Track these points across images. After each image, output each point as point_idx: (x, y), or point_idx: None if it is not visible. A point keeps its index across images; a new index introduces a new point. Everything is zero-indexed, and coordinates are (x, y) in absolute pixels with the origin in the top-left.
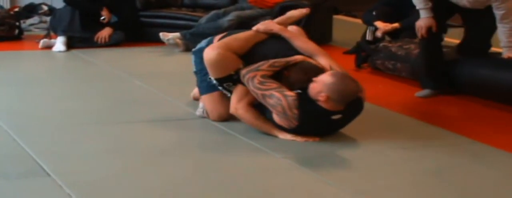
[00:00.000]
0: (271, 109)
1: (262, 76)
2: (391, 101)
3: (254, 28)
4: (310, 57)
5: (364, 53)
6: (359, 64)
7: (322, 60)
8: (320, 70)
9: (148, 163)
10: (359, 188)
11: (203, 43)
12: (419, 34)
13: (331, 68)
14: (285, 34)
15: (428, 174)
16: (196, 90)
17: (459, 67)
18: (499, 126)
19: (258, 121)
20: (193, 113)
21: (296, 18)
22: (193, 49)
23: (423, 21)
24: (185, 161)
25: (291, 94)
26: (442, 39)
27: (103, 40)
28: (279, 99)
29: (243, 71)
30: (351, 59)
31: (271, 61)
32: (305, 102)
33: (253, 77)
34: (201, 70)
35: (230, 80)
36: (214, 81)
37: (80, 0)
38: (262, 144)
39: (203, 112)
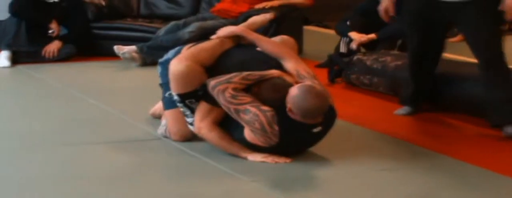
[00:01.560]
0: (245, 125)
1: (234, 89)
2: (368, 119)
3: (214, 36)
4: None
5: (337, 67)
6: (332, 79)
7: (289, 64)
8: (287, 85)
9: (101, 190)
10: None
11: (170, 54)
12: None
13: (297, 74)
14: (248, 35)
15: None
16: (156, 107)
17: (442, 82)
18: (486, 145)
19: (224, 141)
20: (153, 133)
21: (259, 25)
22: (160, 60)
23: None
24: (143, 188)
25: (267, 109)
26: (436, 62)
27: (51, 55)
28: (256, 114)
29: (212, 83)
30: (323, 73)
31: (245, 73)
32: (283, 116)
33: (224, 90)
34: (167, 84)
35: (193, 96)
36: (175, 97)
37: (27, 10)
38: (229, 166)
39: (165, 130)
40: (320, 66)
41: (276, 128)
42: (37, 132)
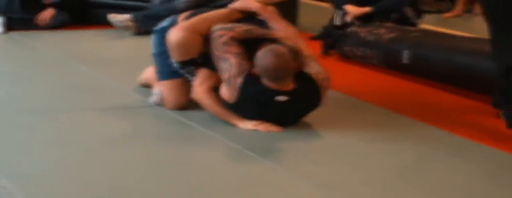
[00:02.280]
0: (220, 75)
1: (231, 37)
2: (361, 90)
3: (231, 6)
4: None
5: (331, 39)
6: (326, 51)
7: (300, 45)
8: (295, 52)
9: (95, 155)
10: (327, 182)
11: (165, 22)
12: None
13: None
14: (264, 13)
15: (402, 168)
16: (146, 75)
17: (430, 52)
18: (477, 117)
19: (218, 107)
20: (146, 101)
21: (279, 0)
22: (155, 29)
23: None
24: (136, 153)
25: (245, 63)
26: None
27: (45, 22)
28: (231, 64)
29: (216, 27)
30: (318, 45)
31: (250, 26)
32: (253, 77)
33: (222, 35)
34: (162, 53)
35: (193, 64)
36: (176, 64)
37: None
38: (221, 134)
39: (158, 98)
40: (314, 38)
41: (239, 80)
42: (31, 98)
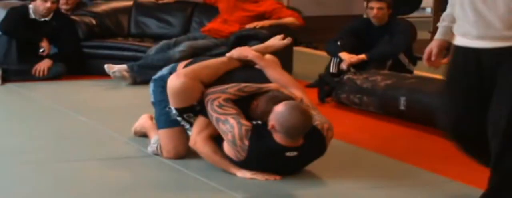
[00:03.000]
0: (222, 135)
1: (225, 99)
2: (359, 137)
3: (228, 54)
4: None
5: (328, 86)
6: (322, 99)
7: (296, 93)
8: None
9: None
10: None
11: (164, 70)
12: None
13: (301, 101)
14: (260, 62)
15: None
16: (141, 123)
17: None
18: (474, 163)
19: (216, 156)
20: (144, 150)
21: (276, 49)
22: (153, 77)
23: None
24: None
25: (246, 123)
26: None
27: (41, 73)
28: (232, 126)
29: (208, 91)
30: (314, 93)
31: (242, 85)
32: (260, 134)
33: (215, 99)
34: (161, 102)
35: (191, 111)
36: (174, 111)
37: (18, 29)
38: (220, 183)
39: (157, 147)
40: (310, 86)
41: (246, 143)
42: (28, 149)
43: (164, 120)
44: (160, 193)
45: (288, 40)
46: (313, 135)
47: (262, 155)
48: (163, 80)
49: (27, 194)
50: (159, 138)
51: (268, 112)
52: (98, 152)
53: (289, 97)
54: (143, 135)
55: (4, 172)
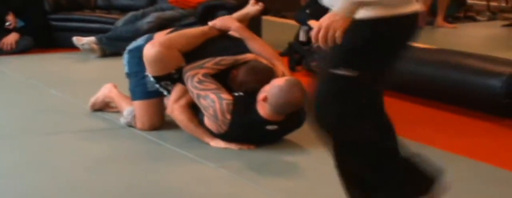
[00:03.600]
0: (203, 110)
1: (204, 75)
2: None
3: (210, 23)
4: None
5: (297, 55)
6: (292, 67)
7: (277, 65)
8: (272, 71)
9: (70, 180)
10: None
11: (140, 40)
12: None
13: (283, 75)
14: (243, 33)
15: None
16: (102, 94)
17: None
18: (447, 128)
19: (192, 124)
20: (116, 122)
21: (253, 15)
22: (128, 48)
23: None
24: (112, 176)
25: (227, 97)
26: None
27: (9, 47)
28: (213, 100)
29: (186, 68)
30: (284, 62)
31: (218, 58)
32: (241, 107)
33: (194, 75)
34: (137, 73)
35: (169, 79)
36: (151, 79)
37: None
38: (195, 153)
39: (131, 119)
40: (280, 55)
41: (228, 117)
42: (1, 122)
43: (140, 90)
44: (135, 164)
45: (260, 6)
46: (297, 112)
47: (243, 128)
48: (140, 51)
49: (1, 167)
50: (134, 109)
51: (247, 81)
52: (70, 125)
53: (268, 66)
54: (104, 107)
55: None
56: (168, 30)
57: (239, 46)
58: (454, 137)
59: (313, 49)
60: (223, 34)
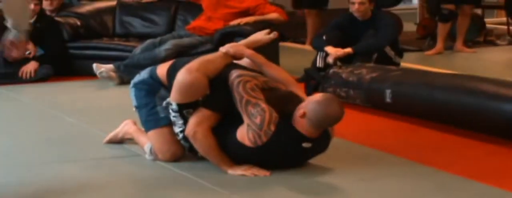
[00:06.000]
0: (246, 118)
1: (256, 85)
2: (346, 131)
3: (223, 49)
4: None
5: (314, 81)
6: (309, 93)
7: (297, 91)
8: (299, 99)
9: None
10: None
11: (144, 74)
12: None
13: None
14: (257, 60)
15: None
16: (121, 130)
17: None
18: (461, 153)
19: (214, 151)
20: (132, 150)
21: (263, 43)
22: (134, 81)
23: None
24: None
25: (274, 111)
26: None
27: (28, 75)
28: (264, 110)
29: (239, 72)
30: (301, 87)
31: (266, 78)
32: (284, 122)
33: (248, 81)
34: (146, 104)
35: (193, 106)
36: (174, 106)
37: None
38: (209, 181)
39: (152, 153)
40: (297, 81)
41: (272, 128)
42: (16, 151)
43: (153, 119)
44: (149, 191)
45: (274, 35)
46: (325, 131)
47: (282, 142)
48: (146, 83)
49: (12, 195)
50: (151, 141)
51: (280, 111)
52: (86, 153)
53: (293, 93)
54: (120, 141)
55: None
56: (169, 63)
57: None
58: (468, 161)
59: (329, 75)
60: (233, 61)
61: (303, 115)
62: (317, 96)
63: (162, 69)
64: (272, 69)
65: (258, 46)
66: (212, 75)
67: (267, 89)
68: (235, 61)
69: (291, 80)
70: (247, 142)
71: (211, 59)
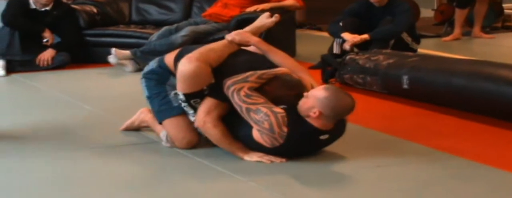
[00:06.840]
0: (254, 125)
1: (249, 88)
2: (363, 117)
3: (229, 38)
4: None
5: (330, 67)
6: (326, 80)
7: (304, 77)
8: (302, 84)
9: (100, 193)
10: None
11: (152, 64)
12: None
13: (312, 87)
14: (262, 47)
15: (406, 192)
16: (137, 118)
17: (429, 76)
18: (479, 139)
19: (225, 139)
20: (148, 137)
21: (267, 27)
22: (143, 72)
23: None
24: (144, 190)
25: (279, 110)
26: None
27: (45, 63)
28: (267, 114)
29: (229, 82)
30: (317, 75)
31: (259, 72)
32: (294, 119)
33: (240, 89)
34: (158, 94)
35: (200, 96)
36: (181, 96)
37: (20, 20)
38: (225, 167)
39: (169, 140)
40: (313, 67)
41: (285, 129)
42: (35, 138)
43: (165, 109)
44: (164, 177)
45: (276, 18)
46: None
47: (298, 139)
48: (155, 73)
49: (34, 184)
50: (166, 130)
51: (282, 96)
52: (103, 139)
53: (299, 81)
54: (137, 129)
55: (10, 163)
56: (176, 52)
57: (265, 60)
58: (486, 147)
59: (346, 62)
60: (240, 48)
61: (320, 115)
62: (322, 93)
63: (169, 58)
64: (278, 56)
65: (264, 30)
66: (215, 64)
67: (266, 82)
68: (243, 48)
69: (297, 65)
70: (264, 143)
71: (214, 48)
